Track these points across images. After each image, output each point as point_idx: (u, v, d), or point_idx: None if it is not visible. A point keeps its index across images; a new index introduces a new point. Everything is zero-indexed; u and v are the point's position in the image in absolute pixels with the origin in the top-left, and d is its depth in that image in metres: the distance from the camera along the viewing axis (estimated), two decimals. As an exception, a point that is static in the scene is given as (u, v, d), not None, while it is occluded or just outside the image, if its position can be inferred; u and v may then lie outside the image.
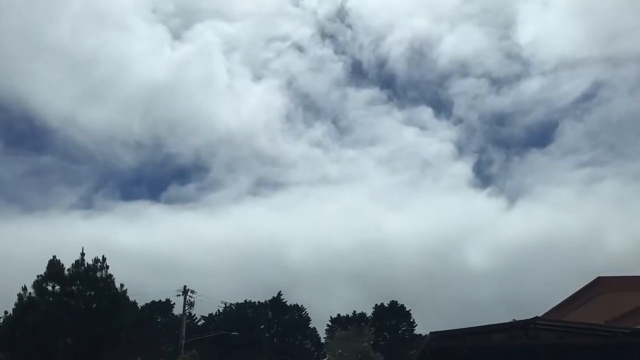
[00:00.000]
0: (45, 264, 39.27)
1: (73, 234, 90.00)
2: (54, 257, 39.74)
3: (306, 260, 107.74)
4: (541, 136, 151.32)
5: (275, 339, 69.72)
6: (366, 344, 53.96)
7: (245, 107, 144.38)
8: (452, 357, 14.25)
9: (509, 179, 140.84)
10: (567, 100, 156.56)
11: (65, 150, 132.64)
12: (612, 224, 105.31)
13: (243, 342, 62.07)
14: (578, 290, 34.69)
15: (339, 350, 54.30)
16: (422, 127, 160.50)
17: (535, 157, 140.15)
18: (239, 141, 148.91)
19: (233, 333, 58.43)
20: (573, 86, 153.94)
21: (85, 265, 39.85)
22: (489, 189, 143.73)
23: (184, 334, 51.77)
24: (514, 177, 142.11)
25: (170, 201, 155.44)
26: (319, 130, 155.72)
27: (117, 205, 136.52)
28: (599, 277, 32.24)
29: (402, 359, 62.58)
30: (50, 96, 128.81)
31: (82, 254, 40.20)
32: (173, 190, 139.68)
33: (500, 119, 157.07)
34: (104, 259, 40.24)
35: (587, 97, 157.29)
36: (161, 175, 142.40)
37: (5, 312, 37.54)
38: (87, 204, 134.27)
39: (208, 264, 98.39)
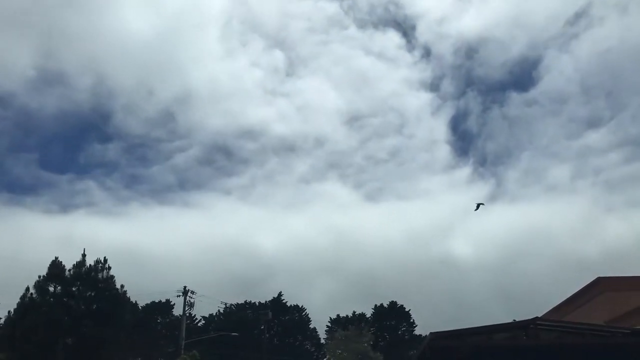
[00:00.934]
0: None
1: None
2: (56, 257, 39.98)
3: (281, 253, 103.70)
4: (523, 75, 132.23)
5: (275, 340, 69.72)
6: (366, 344, 54.05)
7: (164, 14, 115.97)
8: (452, 357, 14.29)
9: (490, 142, 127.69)
10: (551, 23, 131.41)
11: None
12: (611, 212, 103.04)
13: (243, 343, 61.97)
14: (578, 291, 34.67)
15: (339, 351, 54.39)
16: (387, 59, 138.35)
17: (521, 111, 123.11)
18: (166, 74, 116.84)
19: (233, 334, 58.34)
20: (556, 5, 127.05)
21: (87, 266, 39.93)
22: (472, 163, 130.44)
23: (184, 335, 51.72)
24: (497, 140, 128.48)
25: (95, 171, 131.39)
26: (262, 52, 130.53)
27: (44, 179, 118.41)
28: (599, 277, 32.21)
29: (402, 359, 62.56)
30: None
31: (84, 255, 40.37)
32: (97, 154, 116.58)
33: (473, 51, 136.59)
34: (105, 260, 40.38)
35: (576, 17, 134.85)
36: (74, 127, 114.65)
37: (9, 312, 37.65)
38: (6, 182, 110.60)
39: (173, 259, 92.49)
